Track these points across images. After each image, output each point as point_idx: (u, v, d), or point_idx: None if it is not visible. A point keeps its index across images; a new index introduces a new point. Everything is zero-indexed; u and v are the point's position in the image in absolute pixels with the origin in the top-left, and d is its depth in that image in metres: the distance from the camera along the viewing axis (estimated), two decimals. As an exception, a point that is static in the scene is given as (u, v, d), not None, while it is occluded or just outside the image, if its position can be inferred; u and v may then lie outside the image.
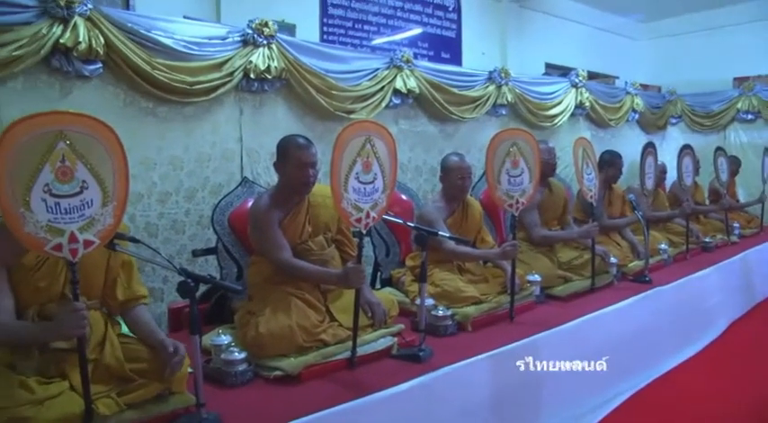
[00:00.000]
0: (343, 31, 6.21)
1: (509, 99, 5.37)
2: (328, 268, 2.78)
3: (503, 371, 2.76)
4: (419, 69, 4.69)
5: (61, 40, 2.92)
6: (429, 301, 3.02)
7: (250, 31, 3.64)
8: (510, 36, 7.69)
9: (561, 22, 8.30)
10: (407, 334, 2.85)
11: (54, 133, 1.71)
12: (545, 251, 4.03)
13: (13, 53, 2.80)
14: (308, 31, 5.75)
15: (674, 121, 7.81)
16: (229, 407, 2.15)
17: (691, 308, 4.29)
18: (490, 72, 5.28)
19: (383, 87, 4.43)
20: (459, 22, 7.30)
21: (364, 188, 2.47)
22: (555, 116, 5.89)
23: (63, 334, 1.84)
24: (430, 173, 4.91)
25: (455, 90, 4.96)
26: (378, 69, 4.43)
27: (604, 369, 3.09)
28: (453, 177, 3.54)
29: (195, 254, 3.39)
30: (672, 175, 5.70)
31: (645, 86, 7.84)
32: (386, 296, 3.03)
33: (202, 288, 3.06)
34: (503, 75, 5.29)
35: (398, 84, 4.50)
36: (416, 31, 6.85)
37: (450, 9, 7.22)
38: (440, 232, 3.09)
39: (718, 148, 6.00)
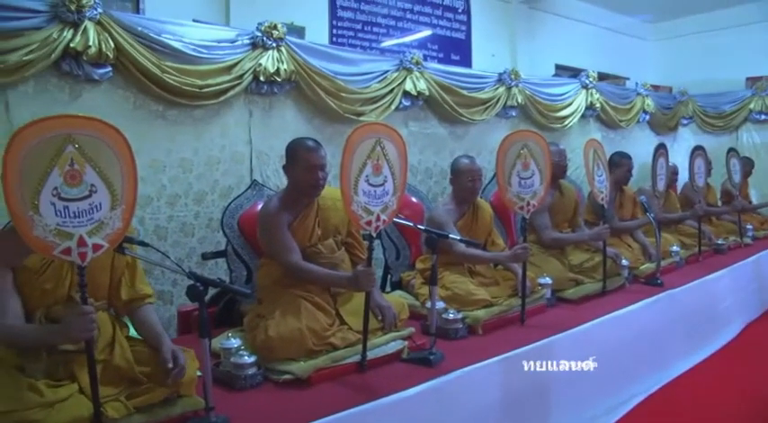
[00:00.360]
0: (352, 34, 6.20)
1: (519, 101, 5.34)
2: (338, 271, 2.77)
3: (514, 375, 2.74)
4: (429, 71, 4.67)
5: (71, 45, 2.93)
6: (439, 305, 3.00)
7: (259, 34, 3.64)
8: (519, 37, 7.66)
9: (571, 24, 8.26)
10: (418, 337, 2.83)
11: (62, 137, 1.71)
12: (556, 254, 4.00)
13: (24, 58, 2.80)
14: (318, 33, 5.75)
15: (685, 121, 7.73)
16: (238, 410, 2.14)
17: (703, 311, 4.25)
18: (500, 74, 5.25)
19: (393, 89, 4.42)
20: (468, 23, 7.28)
21: (374, 191, 2.45)
22: (565, 117, 5.85)
23: (71, 337, 1.83)
24: (440, 175, 4.88)
25: (465, 92, 4.94)
26: (387, 71, 4.41)
27: (616, 372, 3.06)
28: (463, 180, 3.53)
29: (205, 257, 3.39)
30: (683, 177, 5.66)
31: (656, 87, 7.78)
32: (396, 299, 3.01)
33: (212, 291, 3.07)
34: (513, 76, 5.26)
35: (408, 86, 4.48)
36: (426, 32, 6.84)
37: (460, 11, 7.20)
38: (450, 235, 3.08)
39: (731, 149, 5.94)
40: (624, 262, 4.09)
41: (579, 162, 5.16)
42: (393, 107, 4.43)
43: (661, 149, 4.67)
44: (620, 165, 4.65)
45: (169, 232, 3.49)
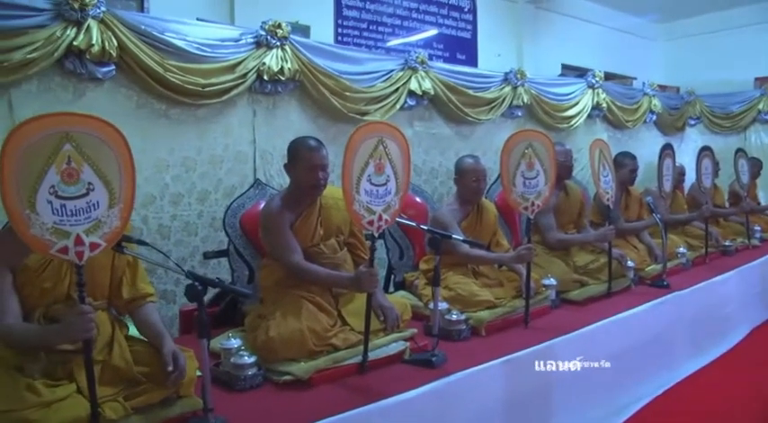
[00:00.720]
0: (357, 33, 6.20)
1: (525, 100, 5.31)
2: (340, 272, 2.75)
3: (517, 377, 2.71)
4: (434, 70, 4.65)
5: (75, 43, 2.93)
6: (442, 305, 2.98)
7: (263, 33, 3.63)
8: (526, 37, 7.64)
9: (577, 23, 8.24)
10: (420, 338, 2.81)
11: (60, 135, 1.69)
12: (561, 255, 3.97)
13: (28, 56, 2.81)
14: (323, 32, 5.74)
15: (692, 122, 7.67)
16: (238, 411, 2.12)
17: (710, 313, 4.21)
18: (506, 73, 5.22)
19: (398, 89, 4.40)
20: (474, 23, 7.26)
21: (377, 190, 2.44)
22: (571, 117, 5.81)
23: (70, 337, 1.82)
24: (445, 175, 4.86)
25: (470, 91, 4.91)
26: (392, 71, 4.39)
27: (621, 375, 3.03)
28: (468, 180, 3.50)
29: (206, 256, 3.39)
30: (690, 177, 5.61)
31: (663, 87, 7.73)
32: (399, 300, 2.99)
33: (214, 291, 3.06)
34: (519, 76, 5.23)
35: (413, 85, 4.46)
36: (431, 32, 6.83)
37: (466, 10, 7.18)
38: (454, 235, 3.06)
39: (739, 150, 5.89)
40: (630, 263, 4.05)
41: (585, 162, 5.12)
42: (398, 107, 4.41)
43: (667, 150, 4.63)
44: (623, 165, 4.61)
45: (172, 231, 3.48)
